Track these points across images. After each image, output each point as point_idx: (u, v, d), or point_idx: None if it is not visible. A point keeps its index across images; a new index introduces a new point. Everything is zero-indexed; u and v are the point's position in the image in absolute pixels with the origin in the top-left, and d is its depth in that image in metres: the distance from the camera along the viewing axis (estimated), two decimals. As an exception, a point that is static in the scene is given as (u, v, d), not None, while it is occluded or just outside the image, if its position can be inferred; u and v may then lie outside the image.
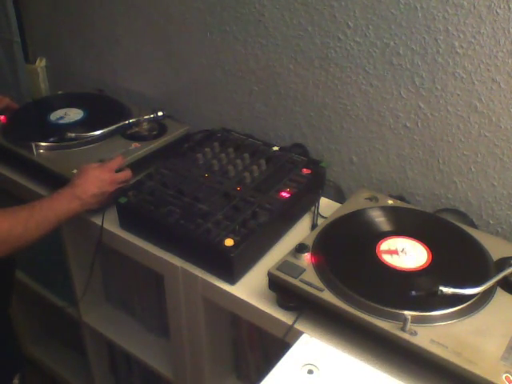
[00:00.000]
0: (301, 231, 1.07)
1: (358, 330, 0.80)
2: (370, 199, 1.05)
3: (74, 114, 1.37)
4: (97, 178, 1.06)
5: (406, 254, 0.89)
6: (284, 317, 0.88)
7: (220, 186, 1.08)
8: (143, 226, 1.05)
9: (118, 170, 1.12)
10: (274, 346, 1.10)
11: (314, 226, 1.07)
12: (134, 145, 1.25)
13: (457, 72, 0.99)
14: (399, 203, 1.04)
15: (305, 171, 1.12)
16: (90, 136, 1.25)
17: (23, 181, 1.25)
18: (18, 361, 1.24)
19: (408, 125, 1.09)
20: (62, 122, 1.35)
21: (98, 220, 1.10)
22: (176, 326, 1.10)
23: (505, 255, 0.88)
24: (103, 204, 1.09)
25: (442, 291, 0.78)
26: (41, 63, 1.72)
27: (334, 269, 0.86)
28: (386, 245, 0.91)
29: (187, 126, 1.35)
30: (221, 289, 0.95)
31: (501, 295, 0.82)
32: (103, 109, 1.42)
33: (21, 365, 1.25)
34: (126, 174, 1.12)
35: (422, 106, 1.05)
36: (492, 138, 1.00)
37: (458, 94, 1.00)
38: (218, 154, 1.18)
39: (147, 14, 1.39)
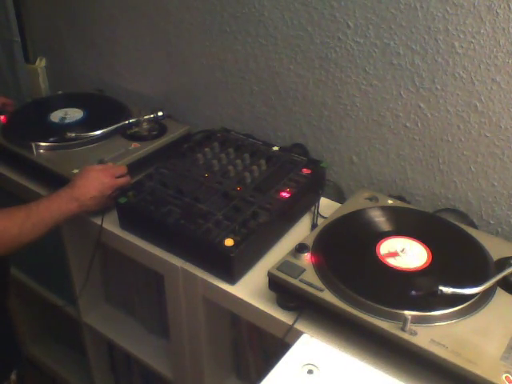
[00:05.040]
0: (301, 231, 1.07)
1: (358, 330, 0.80)
2: (370, 199, 1.05)
3: (74, 114, 1.37)
4: (97, 181, 1.06)
5: (406, 253, 0.89)
6: (284, 317, 0.88)
7: (220, 186, 1.08)
8: (143, 226, 1.05)
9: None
10: (273, 346, 1.10)
11: (314, 226, 1.07)
12: (134, 145, 1.25)
13: (457, 72, 0.99)
14: (399, 203, 1.04)
15: (305, 171, 1.12)
16: (90, 136, 1.25)
17: (23, 181, 1.25)
18: (16, 357, 1.24)
19: (408, 125, 1.09)
20: (61, 122, 1.35)
21: (98, 220, 1.10)
22: (176, 326, 1.10)
23: (505, 255, 0.88)
24: (102, 207, 1.09)
25: (441, 291, 0.78)
26: (41, 63, 1.72)
27: (334, 269, 0.86)
28: (386, 245, 0.91)
29: (187, 126, 1.35)
30: (221, 289, 0.95)
31: (501, 295, 0.82)
32: (103, 109, 1.42)
33: (18, 361, 1.24)
34: (127, 179, 1.12)
35: (422, 105, 1.05)
36: (492, 137, 1.00)
37: (458, 94, 1.00)
38: (218, 154, 1.18)
39: (147, 15, 1.39)
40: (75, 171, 1.12)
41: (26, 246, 0.97)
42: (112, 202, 1.08)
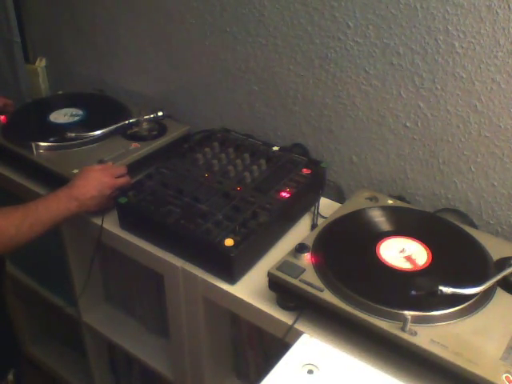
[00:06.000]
0: (301, 231, 1.07)
1: (358, 330, 0.80)
2: (370, 199, 1.05)
3: (74, 114, 1.37)
4: (97, 181, 1.05)
5: (406, 254, 0.89)
6: (284, 317, 0.88)
7: (220, 186, 1.08)
8: (143, 226, 1.05)
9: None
10: (274, 346, 1.10)
11: (313, 226, 1.07)
12: (134, 145, 1.25)
13: (457, 72, 0.99)
14: (399, 203, 1.04)
15: (305, 171, 1.12)
16: (90, 136, 1.25)
17: (23, 181, 1.25)
18: (14, 357, 1.23)
19: (408, 125, 1.09)
20: (61, 122, 1.35)
21: (98, 220, 1.10)
22: (176, 326, 1.10)
23: (505, 255, 0.88)
24: (101, 208, 1.08)
25: (441, 291, 0.78)
26: (41, 63, 1.72)
27: (334, 269, 0.86)
28: (387, 245, 0.91)
29: (187, 126, 1.35)
30: (221, 289, 0.95)
31: (501, 295, 0.82)
32: (103, 109, 1.42)
33: (16, 361, 1.24)
34: (127, 179, 1.11)
35: (422, 105, 1.05)
36: (492, 138, 1.00)
37: (458, 94, 1.00)
38: (218, 153, 1.18)
39: (147, 14, 1.39)
40: (75, 171, 1.12)
41: (23, 245, 0.97)
42: (112, 202, 1.08)
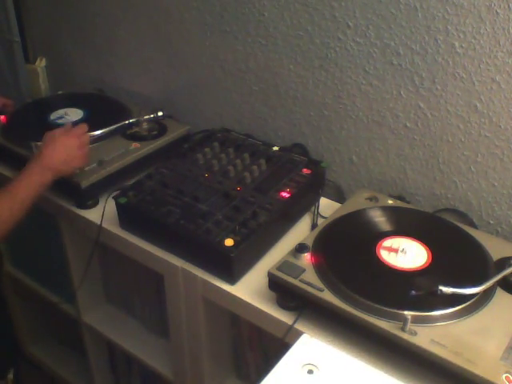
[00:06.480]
0: (301, 231, 1.07)
1: (358, 329, 0.80)
2: (370, 199, 1.05)
3: (74, 114, 1.37)
4: (64, 145, 1.08)
5: (406, 253, 0.89)
6: (284, 317, 0.88)
7: (220, 186, 1.08)
8: (143, 226, 1.05)
9: None
10: (273, 346, 1.10)
11: (313, 226, 1.07)
12: (134, 145, 1.25)
13: (457, 72, 0.99)
14: (399, 203, 1.04)
15: (305, 171, 1.12)
16: (90, 136, 1.25)
17: (23, 181, 1.25)
18: (13, 356, 1.24)
19: (408, 125, 1.09)
20: (61, 121, 1.35)
21: (97, 220, 1.10)
22: (176, 326, 1.10)
23: (505, 255, 0.88)
24: (78, 167, 1.11)
25: (441, 291, 0.78)
26: (41, 63, 1.72)
27: (334, 269, 0.86)
28: (386, 245, 0.91)
29: (187, 126, 1.35)
30: (221, 289, 0.95)
31: (501, 295, 0.82)
32: (103, 109, 1.42)
33: (16, 360, 1.24)
34: (88, 135, 1.14)
35: (422, 105, 1.05)
36: (492, 138, 1.00)
37: (458, 94, 1.00)
38: (218, 153, 1.18)
39: (147, 14, 1.39)
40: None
41: (13, 227, 0.99)
42: (86, 159, 1.11)
